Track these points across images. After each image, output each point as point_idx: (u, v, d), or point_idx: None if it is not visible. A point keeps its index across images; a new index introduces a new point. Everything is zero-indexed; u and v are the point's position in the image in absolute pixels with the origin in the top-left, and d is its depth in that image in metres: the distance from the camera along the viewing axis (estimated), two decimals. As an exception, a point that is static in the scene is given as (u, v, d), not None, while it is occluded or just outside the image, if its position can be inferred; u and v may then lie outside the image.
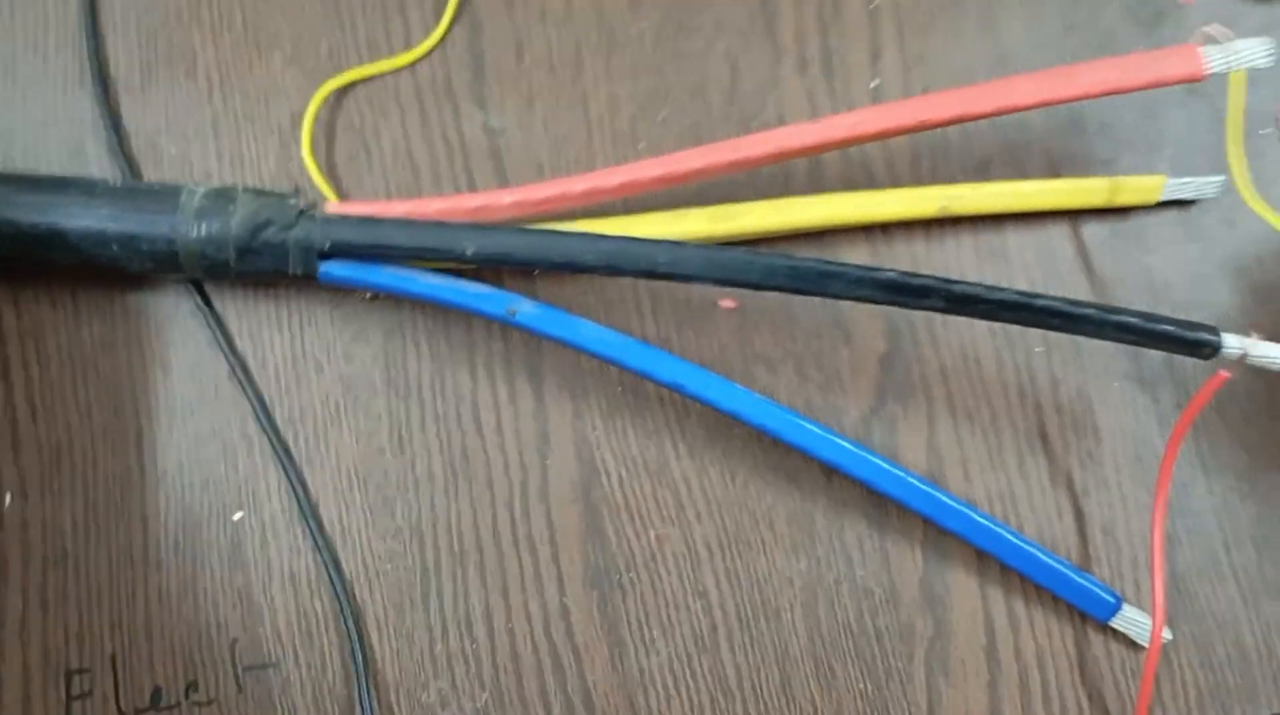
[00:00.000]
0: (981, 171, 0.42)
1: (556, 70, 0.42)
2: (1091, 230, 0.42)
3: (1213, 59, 0.37)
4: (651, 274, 0.36)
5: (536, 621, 0.38)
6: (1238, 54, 0.37)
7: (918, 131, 0.37)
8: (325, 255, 0.37)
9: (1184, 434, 0.38)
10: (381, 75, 0.41)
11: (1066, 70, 0.37)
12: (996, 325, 0.41)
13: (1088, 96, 0.37)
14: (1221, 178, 0.42)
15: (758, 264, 0.36)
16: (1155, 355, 0.41)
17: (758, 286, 0.36)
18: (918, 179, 0.42)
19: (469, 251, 0.36)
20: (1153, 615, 0.38)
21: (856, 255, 0.41)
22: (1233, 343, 0.36)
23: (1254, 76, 0.43)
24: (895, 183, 0.42)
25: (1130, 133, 0.42)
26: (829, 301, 0.41)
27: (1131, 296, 0.42)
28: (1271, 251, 0.42)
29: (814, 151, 0.38)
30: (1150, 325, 0.36)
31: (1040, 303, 0.36)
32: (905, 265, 0.41)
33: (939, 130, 0.42)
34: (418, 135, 0.41)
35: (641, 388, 0.40)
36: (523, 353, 0.40)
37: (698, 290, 0.41)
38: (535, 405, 0.39)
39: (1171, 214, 0.42)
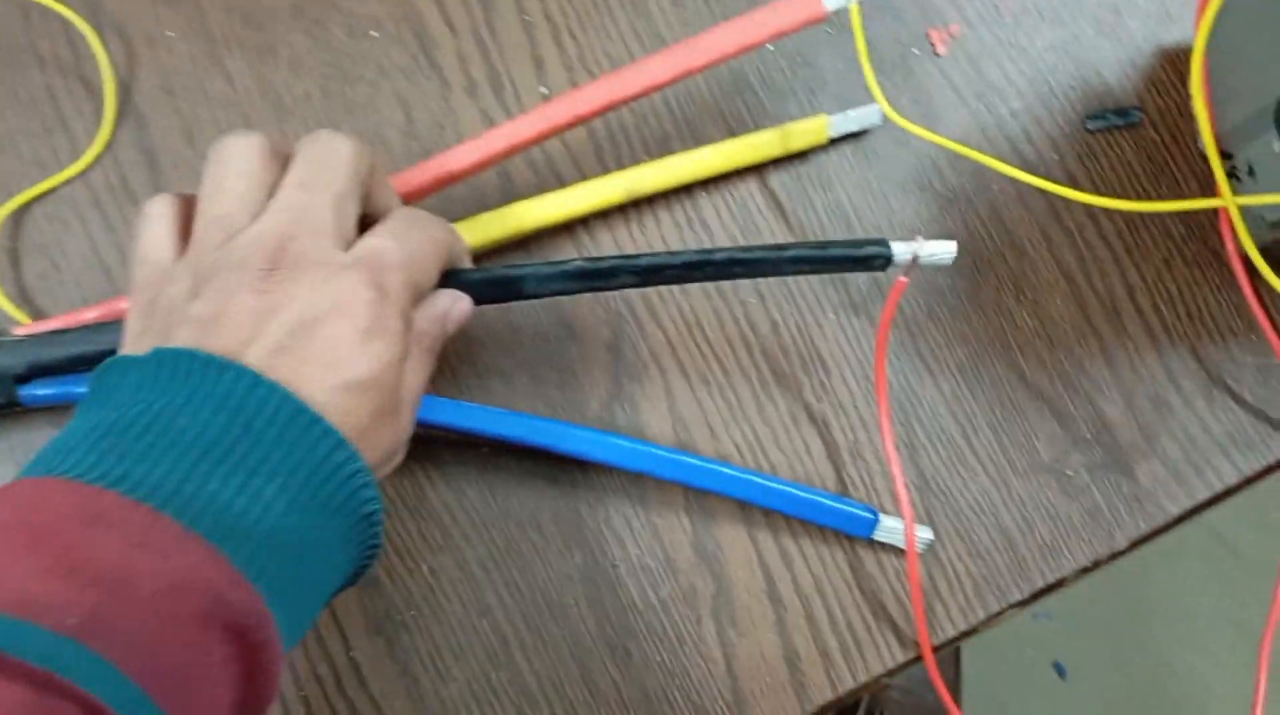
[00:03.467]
0: (663, 148, 0.44)
1: (231, 146, 0.42)
2: (778, 180, 0.44)
3: (827, -2, 0.39)
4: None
5: (328, 682, 0.39)
6: (849, -12, 0.39)
7: (576, 125, 0.39)
8: (23, 379, 0.37)
9: (886, 343, 0.40)
10: (55, 190, 0.41)
11: (693, 41, 0.39)
12: (710, 288, 0.43)
13: (722, 59, 0.39)
14: (878, 107, 0.44)
15: (449, 283, 0.37)
16: (860, 281, 0.43)
17: (457, 305, 0.38)
18: (604, 169, 0.44)
19: (166, 340, 0.37)
20: (902, 518, 0.40)
21: (563, 253, 0.43)
22: (901, 249, 0.38)
23: (899, 3, 0.46)
24: (583, 177, 0.43)
25: (790, 81, 0.45)
26: (550, 303, 0.42)
27: (828, 231, 0.44)
28: (945, 160, 0.45)
29: (482, 167, 0.39)
30: (821, 252, 0.38)
31: (719, 256, 0.37)
32: (614, 250, 0.43)
33: (615, 119, 0.44)
34: (104, 240, 0.41)
35: (384, 429, 0.41)
36: (258, 424, 0.40)
37: (417, 323, 0.41)
38: (281, 472, 0.40)
39: (848, 148, 0.45)
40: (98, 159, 0.41)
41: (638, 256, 0.37)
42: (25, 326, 0.38)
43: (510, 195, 0.43)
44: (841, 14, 0.40)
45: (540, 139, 0.39)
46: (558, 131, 0.39)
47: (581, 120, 0.39)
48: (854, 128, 0.44)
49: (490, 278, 0.37)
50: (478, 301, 0.37)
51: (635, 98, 0.39)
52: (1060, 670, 1.12)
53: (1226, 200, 0.40)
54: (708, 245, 0.43)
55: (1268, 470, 0.44)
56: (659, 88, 0.39)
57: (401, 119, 0.43)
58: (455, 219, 0.41)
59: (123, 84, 0.42)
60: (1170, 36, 0.46)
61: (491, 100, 0.44)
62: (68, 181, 0.41)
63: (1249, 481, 0.44)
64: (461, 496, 0.40)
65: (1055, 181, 0.45)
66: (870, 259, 0.38)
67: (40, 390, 0.37)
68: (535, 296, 0.38)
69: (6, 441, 0.39)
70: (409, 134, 0.43)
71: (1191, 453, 0.43)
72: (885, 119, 0.44)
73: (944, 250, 0.38)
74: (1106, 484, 0.43)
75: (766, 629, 0.40)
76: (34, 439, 0.39)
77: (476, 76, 0.44)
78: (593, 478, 0.41)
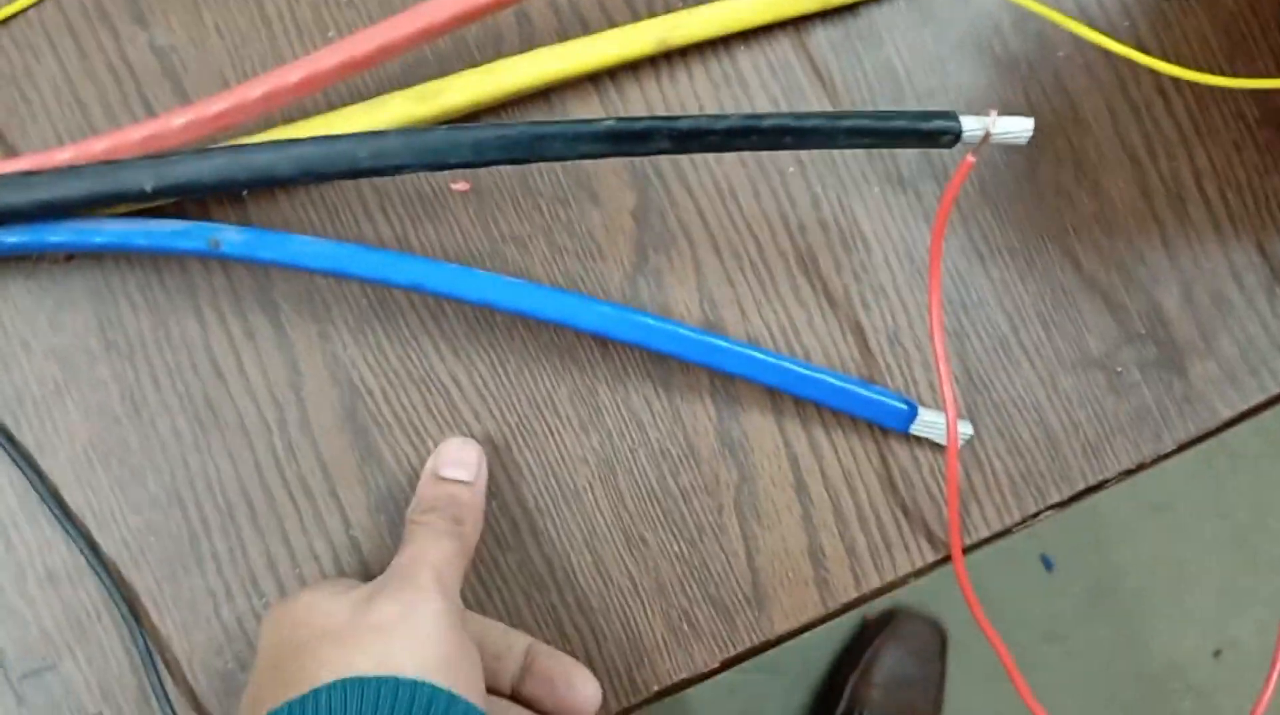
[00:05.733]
0: (698, -7, 0.40)
1: (220, -31, 0.37)
2: (826, 35, 0.40)
3: None
4: (355, 173, 0.33)
5: (325, 561, 0.36)
6: None
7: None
8: (-10, 223, 0.33)
9: (945, 225, 0.37)
10: (24, 12, 0.36)
11: None
12: (746, 155, 0.39)
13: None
14: (943, -46, 0.40)
15: (465, 140, 0.33)
16: (909, 153, 0.40)
17: (472, 164, 0.34)
18: (634, 15, 0.39)
19: (149, 187, 0.33)
20: (944, 412, 0.37)
21: (587, 109, 0.39)
22: (972, 124, 0.35)
23: None
24: (611, 24, 0.39)
25: (845, -76, 0.40)
26: (572, 165, 0.39)
27: (875, 94, 0.40)
28: (1008, 21, 0.41)
29: (502, 6, 0.34)
30: (883, 123, 0.35)
31: (768, 123, 0.34)
32: (639, 109, 0.39)
33: (648, -41, 0.40)
34: (78, 70, 0.37)
35: (387, 294, 0.37)
36: (250, 283, 0.37)
37: (427, 178, 0.38)
38: (275, 336, 0.37)
39: (902, 2, 0.40)
40: (68, -22, 0.37)
41: (676, 119, 0.34)
42: (-10, 165, 0.34)
43: (531, 41, 0.39)
44: None
45: (570, -25, 0.34)
46: (590, -32, 0.34)
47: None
48: (913, -21, 0.40)
49: (510, 137, 0.33)
50: (498, 163, 0.33)
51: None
52: (1047, 563, 1.12)
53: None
54: (745, 105, 0.40)
55: (1328, 374, 0.41)
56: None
57: (411, -52, 0.38)
58: (469, 65, 0.37)
59: (95, -108, 0.37)
60: (1268, -108, 0.42)
61: (512, -69, 0.39)
62: (37, 4, 0.36)
63: (1308, 386, 0.41)
64: (471, 369, 0.37)
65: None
66: (937, 134, 0.35)
67: (9, 238, 0.33)
68: (560, 159, 0.34)
69: (-27, 292, 0.36)
70: (419, -35, 0.38)
71: (1249, 353, 0.40)
72: (948, -29, 0.40)
73: (1020, 128, 0.35)
74: (1158, 382, 0.40)
75: (792, 523, 0.38)
76: (7, 288, 0.36)
77: (496, -98, 0.39)
78: (613, 356, 0.38)
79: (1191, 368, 0.40)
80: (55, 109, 0.36)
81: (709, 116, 0.34)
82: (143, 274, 0.36)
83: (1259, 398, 0.41)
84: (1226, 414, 0.40)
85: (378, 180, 0.37)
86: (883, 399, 0.38)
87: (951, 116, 0.34)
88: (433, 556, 0.31)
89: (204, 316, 0.36)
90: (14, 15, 0.37)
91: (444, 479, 0.35)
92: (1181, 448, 0.40)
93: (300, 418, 0.36)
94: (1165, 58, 0.41)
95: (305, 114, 0.36)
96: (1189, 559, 1.12)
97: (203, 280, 0.36)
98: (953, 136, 0.34)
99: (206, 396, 0.36)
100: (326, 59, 0.34)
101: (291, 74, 0.34)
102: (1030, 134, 0.35)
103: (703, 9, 0.38)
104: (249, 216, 0.37)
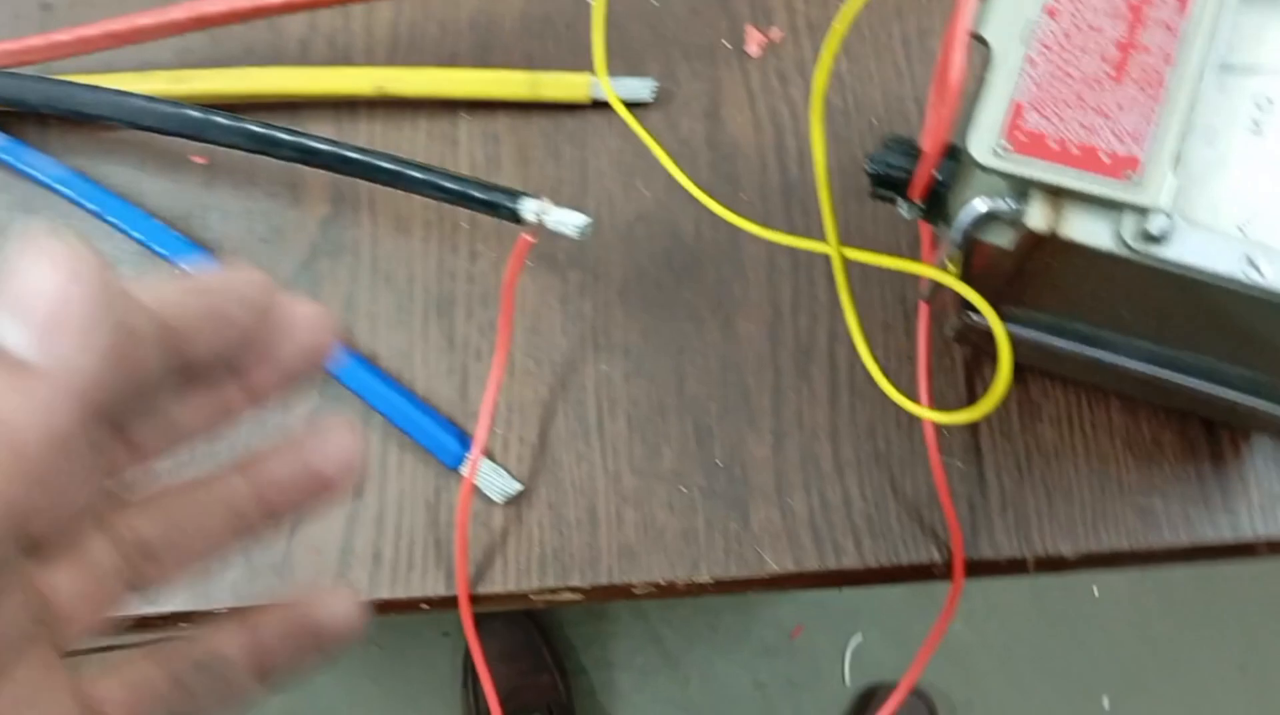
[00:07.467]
0: (449, 63, 0.46)
1: (107, -43, 0.48)
2: (538, 124, 0.45)
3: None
4: (77, 114, 0.43)
5: None
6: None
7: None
8: None
9: (512, 296, 0.41)
10: (-36, -46, 0.49)
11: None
12: (431, 203, 0.45)
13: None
14: (653, 83, 0.44)
15: (131, 103, 0.42)
16: (566, 239, 0.44)
17: (136, 125, 0.42)
18: (394, 62, 0.46)
19: (-49, 85, 0.44)
20: (498, 465, 0.41)
21: (321, 127, 0.46)
22: (530, 207, 0.39)
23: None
24: (371, 64, 0.46)
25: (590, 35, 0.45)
26: (290, 166, 0.46)
27: (561, 184, 0.44)
28: (711, 154, 0.44)
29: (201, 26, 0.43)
30: (455, 185, 0.40)
31: (352, 153, 0.40)
32: (362, 141, 0.46)
33: (420, 26, 0.47)
34: (-20, 4, 0.49)
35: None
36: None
37: (178, 145, 0.46)
38: (21, 230, 0.46)
39: (616, 116, 0.45)
40: (3, -62, 0.49)
41: (298, 133, 0.40)
42: None
43: (306, 60, 0.47)
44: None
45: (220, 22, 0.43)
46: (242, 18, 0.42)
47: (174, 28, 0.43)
48: (624, 96, 0.44)
49: (168, 113, 0.41)
50: (157, 131, 0.41)
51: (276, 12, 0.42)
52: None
53: (832, 248, 0.37)
54: (450, 161, 0.45)
55: (889, 571, 0.40)
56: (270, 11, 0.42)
57: (244, -27, 0.48)
58: (223, 64, 0.46)
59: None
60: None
61: (327, -20, 0.47)
62: (-26, -50, 0.49)
63: (870, 573, 0.40)
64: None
65: (807, 209, 0.43)
66: (495, 206, 0.39)
67: None
68: (214, 142, 0.41)
69: None
70: (245, -12, 0.48)
71: (819, 520, 0.41)
72: (656, 96, 0.44)
73: (572, 221, 0.39)
74: (715, 514, 0.41)
75: (337, 520, 0.42)
76: None
77: (323, -45, 0.48)
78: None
79: (755, 512, 0.41)
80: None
81: (327, 140, 0.40)
82: (-45, 157, 0.47)
83: (813, 566, 0.40)
84: (773, 569, 0.41)
85: (146, 141, 0.46)
86: (438, 431, 0.42)
87: (511, 195, 0.39)
88: None
89: (-20, 199, 0.47)
90: (-31, -43, 0.49)
91: None
92: (720, 586, 0.41)
93: None
94: (844, 226, 0.43)
95: (104, 71, 0.46)
96: None
97: (-9, 173, 0.47)
98: (510, 213, 0.39)
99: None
100: (100, 28, 0.44)
101: (70, 34, 0.44)
102: (581, 228, 0.38)
103: (421, 71, 0.45)
104: (47, 139, 0.47)
